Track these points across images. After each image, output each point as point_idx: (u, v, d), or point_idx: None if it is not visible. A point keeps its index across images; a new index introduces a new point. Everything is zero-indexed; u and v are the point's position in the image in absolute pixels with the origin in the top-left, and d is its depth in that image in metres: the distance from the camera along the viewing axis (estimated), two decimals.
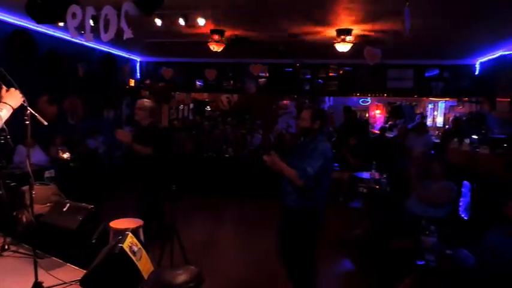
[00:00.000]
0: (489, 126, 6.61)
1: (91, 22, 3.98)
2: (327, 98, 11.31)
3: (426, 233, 3.16)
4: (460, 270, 2.89)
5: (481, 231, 3.34)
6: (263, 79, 9.43)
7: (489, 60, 7.74)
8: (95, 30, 3.98)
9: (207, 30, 6.14)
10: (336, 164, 6.70)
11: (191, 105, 12.25)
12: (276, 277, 3.56)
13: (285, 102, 11.39)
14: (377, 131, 9.98)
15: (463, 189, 5.47)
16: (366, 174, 5.84)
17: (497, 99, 7.10)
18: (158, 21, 5.20)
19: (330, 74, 9.09)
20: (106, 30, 3.87)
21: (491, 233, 3.15)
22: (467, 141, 6.70)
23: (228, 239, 5.53)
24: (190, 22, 5.29)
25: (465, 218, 5.04)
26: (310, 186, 3.03)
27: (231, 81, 9.66)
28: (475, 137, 6.56)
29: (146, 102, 4.31)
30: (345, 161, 6.95)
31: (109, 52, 8.49)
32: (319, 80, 9.12)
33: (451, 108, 9.27)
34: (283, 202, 3.24)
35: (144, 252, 2.62)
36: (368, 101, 12.36)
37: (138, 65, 9.93)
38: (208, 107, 12.77)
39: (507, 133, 5.85)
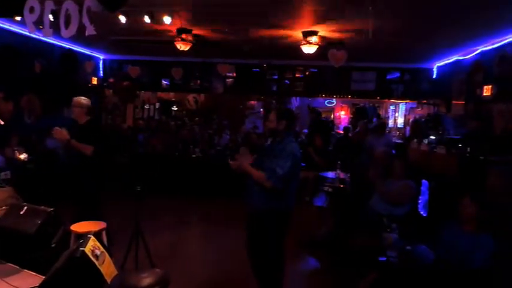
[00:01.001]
0: (445, 127, 6.95)
1: (50, 17, 3.81)
2: (293, 99, 11.45)
3: (388, 230, 3.28)
4: (419, 265, 3.02)
5: (439, 227, 3.51)
6: (230, 79, 9.42)
7: (445, 65, 8.12)
8: (54, 26, 3.81)
9: (174, 29, 6.06)
10: (302, 164, 6.80)
11: (157, 105, 12.02)
12: (244, 277, 3.57)
13: (252, 102, 11.43)
14: (341, 131, 10.22)
15: (422, 188, 5.73)
16: (331, 174, 5.96)
17: (453, 101, 7.47)
18: (123, 19, 5.07)
19: (297, 75, 9.21)
20: (67, 26, 3.71)
21: (447, 229, 3.32)
22: (425, 141, 7.01)
23: (196, 240, 5.49)
24: (156, 20, 5.20)
25: (424, 215, 5.28)
26: (280, 187, 3.05)
27: (198, 81, 9.56)
28: (432, 137, 6.88)
29: (83, 100, 4.23)
30: (310, 161, 7.06)
31: (70, 49, 8.17)
32: (286, 81, 9.23)
33: (411, 110, 9.63)
34: (250, 203, 3.25)
35: (107, 255, 2.54)
36: (333, 102, 12.63)
37: (101, 62, 9.61)
38: (174, 106, 12.57)
39: (461, 134, 6.18)
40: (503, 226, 3.09)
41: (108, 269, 2.49)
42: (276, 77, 9.25)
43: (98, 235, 2.82)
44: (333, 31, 5.79)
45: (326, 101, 12.26)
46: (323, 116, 10.36)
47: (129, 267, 3.43)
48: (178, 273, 3.91)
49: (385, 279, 2.99)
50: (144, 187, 3.62)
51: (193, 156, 7.95)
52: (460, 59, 7.35)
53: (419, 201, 5.47)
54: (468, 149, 5.43)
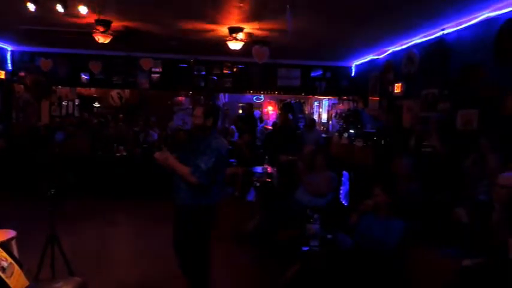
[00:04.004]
0: (363, 122, 7.49)
1: None
2: (221, 95, 11.46)
3: (311, 221, 3.45)
4: (338, 252, 3.23)
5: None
6: (156, 74, 9.11)
7: (362, 63, 8.71)
8: None
9: (92, 20, 5.69)
10: (232, 160, 6.86)
11: (76, 101, 11.22)
12: (173, 277, 3.52)
13: (180, 98, 11.21)
14: (270, 127, 10.49)
15: (343, 179, 6.12)
16: (259, 169, 6.11)
17: (369, 98, 8.05)
18: (31, 6, 4.63)
19: (225, 71, 9.22)
20: None
21: (364, 216, 3.59)
22: (346, 135, 7.50)
23: (123, 242, 5.26)
24: (70, 10, 4.83)
25: (345, 204, 5.65)
26: (204, 182, 3.05)
27: (122, 76, 9.10)
28: (352, 131, 7.37)
29: None
30: (242, 156, 7.15)
31: None
32: (214, 77, 9.20)
33: (333, 106, 10.20)
34: (176, 199, 3.21)
35: (16, 267, 2.33)
36: (261, 98, 12.89)
37: (9, 54, 8.67)
38: (96, 103, 11.84)
39: (376, 128, 6.71)
40: (408, 209, 3.43)
41: (17, 281, 2.30)
42: (203, 73, 9.17)
43: (5, 245, 2.56)
44: (258, 28, 5.88)
45: (254, 97, 12.46)
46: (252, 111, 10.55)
47: (45, 277, 3.18)
48: (102, 279, 3.74)
49: (308, 268, 3.14)
50: (60, 189, 3.37)
51: (118, 155, 7.59)
52: (374, 58, 7.94)
53: (341, 192, 5.85)
54: (382, 141, 5.93)
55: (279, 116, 9.05)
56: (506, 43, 4.35)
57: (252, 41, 6.38)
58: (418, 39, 6.16)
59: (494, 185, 3.01)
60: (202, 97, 10.28)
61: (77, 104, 11.18)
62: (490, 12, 4.60)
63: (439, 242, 3.08)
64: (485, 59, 4.65)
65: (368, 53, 7.93)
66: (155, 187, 6.48)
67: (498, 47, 4.47)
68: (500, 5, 4.38)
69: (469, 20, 4.96)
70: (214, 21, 5.71)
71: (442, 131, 4.65)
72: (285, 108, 11.82)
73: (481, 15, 4.74)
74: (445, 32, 5.45)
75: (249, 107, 9.73)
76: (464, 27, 5.11)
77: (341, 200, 5.65)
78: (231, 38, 6.05)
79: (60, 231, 3.34)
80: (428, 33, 5.81)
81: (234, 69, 9.20)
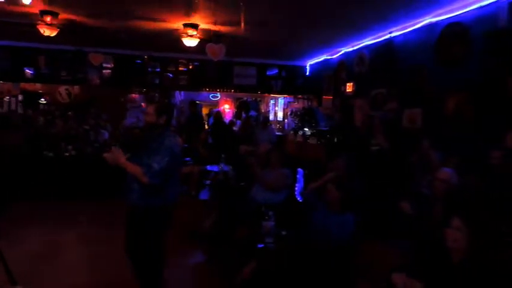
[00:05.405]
0: (317, 120, 7.69)
1: None
2: (177, 92, 11.26)
3: (266, 218, 3.49)
4: (292, 248, 3.29)
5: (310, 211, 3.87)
6: (108, 70, 8.76)
7: (316, 63, 8.92)
8: None
9: (36, 10, 5.36)
10: (188, 158, 6.78)
11: (20, 97, 10.50)
12: (124, 280, 3.42)
13: (133, 95, 10.86)
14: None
15: (298, 176, 6.25)
16: (215, 167, 6.09)
17: (323, 96, 8.27)
18: None
19: (180, 68, 9.05)
20: None
21: (317, 212, 3.69)
22: (301, 133, 7.66)
23: (71, 247, 5.01)
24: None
25: (300, 200, 5.77)
26: (157, 182, 2.98)
27: (70, 71, 8.65)
28: (306, 129, 7.54)
29: None
30: (197, 155, 7.08)
31: None
32: (169, 74, 9.01)
33: (289, 104, 10.36)
34: (129, 200, 3.12)
35: None
36: (218, 96, 12.81)
37: None
38: (42, 99, 11.16)
39: (329, 126, 6.91)
40: (355, 205, 3.57)
41: None
42: (158, 69, 8.95)
43: None
44: (212, 25, 5.82)
45: (211, 95, 12.36)
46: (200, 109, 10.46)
47: None
48: (48, 287, 3.56)
49: (263, 265, 3.17)
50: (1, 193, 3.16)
51: (67, 154, 7.23)
52: (328, 58, 8.16)
53: (296, 188, 5.98)
54: (335, 139, 6.12)
55: (214, 115, 9.12)
56: (445, 46, 4.67)
57: (206, 38, 6.29)
58: (368, 41, 6.43)
59: (434, 179, 3.22)
60: (156, 94, 10.03)
61: (20, 100, 10.48)
62: (432, 17, 4.93)
63: (387, 234, 3.24)
64: (428, 60, 4.96)
65: (322, 53, 8.13)
66: (107, 188, 6.26)
67: (439, 50, 4.79)
68: (441, 11, 4.72)
69: (414, 24, 5.27)
70: (167, 16, 5.58)
71: (388, 129, 4.88)
72: (240, 107, 11.91)
73: (424, 20, 5.06)
74: (393, 34, 5.74)
75: (192, 105, 9.34)
76: (410, 30, 5.42)
77: (296, 196, 5.76)
78: (186, 34, 5.95)
79: (2, 237, 3.13)
80: (377, 35, 6.09)
81: (190, 67, 9.06)
